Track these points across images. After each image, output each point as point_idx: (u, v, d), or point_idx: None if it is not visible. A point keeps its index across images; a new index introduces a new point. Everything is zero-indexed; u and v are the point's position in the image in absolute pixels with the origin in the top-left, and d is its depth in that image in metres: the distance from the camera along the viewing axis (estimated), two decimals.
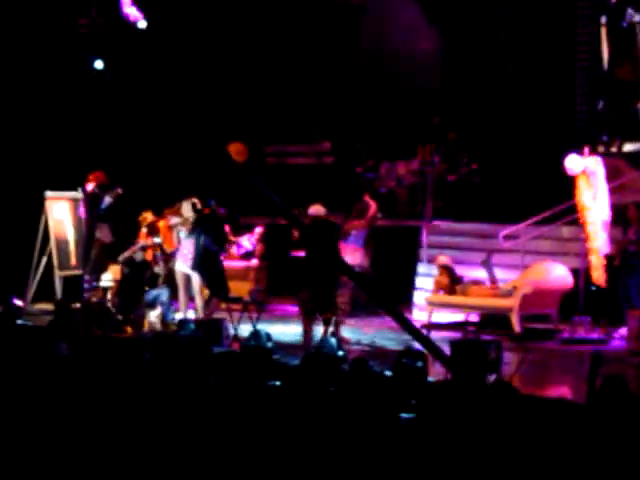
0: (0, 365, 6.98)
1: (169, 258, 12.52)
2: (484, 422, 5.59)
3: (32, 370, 6.65)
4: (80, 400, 6.25)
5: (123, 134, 15.39)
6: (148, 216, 12.83)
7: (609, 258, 11.29)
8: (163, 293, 12.23)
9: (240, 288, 12.37)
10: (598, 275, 11.24)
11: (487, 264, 12.45)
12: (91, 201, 13.21)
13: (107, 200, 13.09)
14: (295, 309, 12.68)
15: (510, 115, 14.55)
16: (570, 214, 11.79)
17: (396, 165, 15.17)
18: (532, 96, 14.33)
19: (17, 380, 6.56)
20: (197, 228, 11.85)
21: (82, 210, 13.53)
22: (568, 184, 11.45)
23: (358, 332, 12.01)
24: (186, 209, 12.05)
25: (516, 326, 11.28)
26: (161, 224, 12.72)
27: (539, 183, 13.17)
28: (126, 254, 12.57)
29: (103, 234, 13.19)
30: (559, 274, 11.67)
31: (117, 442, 5.86)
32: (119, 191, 13.19)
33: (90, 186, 13.15)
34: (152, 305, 12.23)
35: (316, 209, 11.40)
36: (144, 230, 12.69)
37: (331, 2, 15.45)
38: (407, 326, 8.20)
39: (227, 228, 14.00)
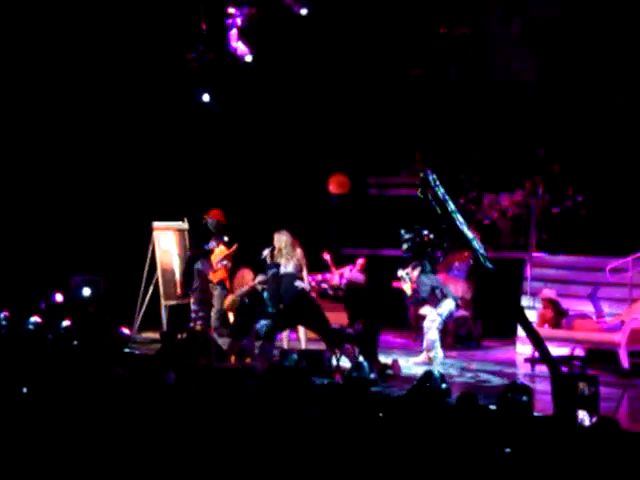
0: (107, 391, 7.12)
1: None
2: (586, 458, 5.49)
3: (140, 397, 6.77)
4: (186, 428, 6.34)
5: (230, 166, 15.63)
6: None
7: None
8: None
9: (337, 318, 12.37)
10: None
11: (593, 297, 12.23)
12: (198, 237, 13.44)
13: (212, 244, 13.32)
14: (397, 340, 12.69)
15: (617, 145, 14.31)
16: None
17: (499, 197, 15.04)
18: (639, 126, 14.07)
19: (125, 407, 6.68)
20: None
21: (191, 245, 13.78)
22: None
23: (462, 365, 11.91)
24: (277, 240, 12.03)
25: (623, 361, 11.03)
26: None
27: None
28: (246, 289, 12.68)
29: (204, 267, 13.39)
30: None
31: (222, 469, 5.92)
32: (226, 239, 13.42)
33: (208, 221, 13.35)
34: (260, 335, 12.32)
35: None
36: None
37: (434, 33, 15.45)
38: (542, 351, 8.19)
39: (328, 259, 14.09)
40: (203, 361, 10.93)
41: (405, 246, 12.58)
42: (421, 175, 9.21)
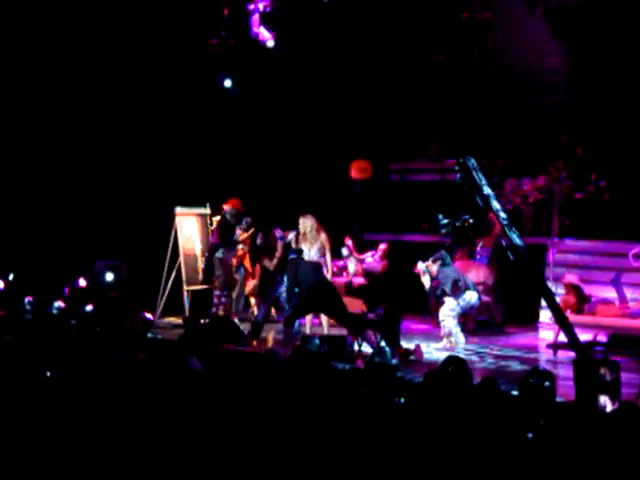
0: (132, 375, 7.16)
1: None
2: (608, 444, 5.48)
3: (163, 383, 6.81)
4: (208, 413, 6.37)
5: (252, 151, 15.65)
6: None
7: None
8: None
9: (354, 304, 12.38)
10: None
11: (616, 283, 12.18)
12: (223, 227, 13.47)
13: (237, 233, 13.39)
14: (418, 326, 12.69)
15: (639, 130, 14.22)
16: None
17: (522, 182, 14.97)
18: None
19: (148, 392, 6.72)
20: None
21: (213, 235, 13.79)
22: None
23: (483, 351, 11.92)
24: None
25: None
26: None
27: None
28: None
29: (226, 255, 13.45)
30: None
31: (243, 453, 5.96)
32: (249, 220, 13.51)
33: (226, 211, 13.43)
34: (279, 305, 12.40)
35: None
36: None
37: (457, 18, 15.37)
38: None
39: (350, 245, 14.10)
40: (226, 346, 10.98)
41: (444, 230, 12.58)
42: (460, 160, 9.23)
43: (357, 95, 15.90)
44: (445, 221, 12.29)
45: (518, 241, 9.54)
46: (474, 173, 9.16)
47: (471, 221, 12.07)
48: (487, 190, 9.18)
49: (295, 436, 5.98)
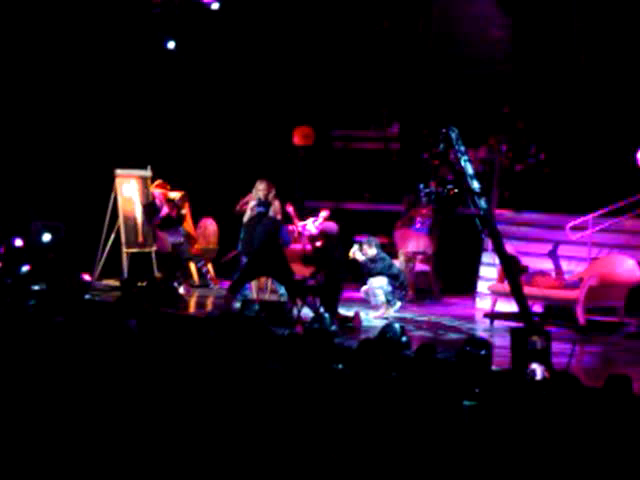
0: (69, 338, 7.10)
1: None
2: (543, 411, 5.57)
3: (102, 344, 6.77)
4: (147, 375, 6.35)
5: (194, 114, 15.51)
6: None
7: None
8: None
9: (300, 270, 12.41)
10: None
11: (553, 255, 12.34)
12: (149, 210, 13.47)
13: (164, 211, 13.35)
14: (358, 294, 12.73)
15: (581, 105, 14.35)
16: (639, 207, 11.62)
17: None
18: (604, 86, 14.11)
19: (86, 353, 6.68)
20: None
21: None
22: (638, 176, 11.28)
23: (421, 318, 12.03)
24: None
25: (580, 318, 11.18)
26: None
27: (609, 174, 12.99)
28: None
29: (161, 244, 13.47)
30: (627, 267, 11.52)
31: (179, 416, 5.95)
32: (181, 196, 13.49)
33: (155, 195, 13.39)
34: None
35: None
36: None
37: None
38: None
39: (292, 211, 14.09)
40: (163, 309, 10.94)
41: (425, 199, 12.61)
42: (443, 130, 9.28)
43: (302, 61, 15.81)
44: (427, 190, 12.30)
45: (488, 211, 9.65)
46: (456, 144, 9.25)
47: (456, 190, 12.09)
48: (465, 160, 9.27)
49: (232, 400, 5.99)
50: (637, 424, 5.45)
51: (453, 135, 9.55)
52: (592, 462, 5.19)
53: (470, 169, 9.61)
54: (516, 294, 9.11)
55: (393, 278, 12.05)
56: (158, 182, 13.72)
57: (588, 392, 5.87)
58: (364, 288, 12.22)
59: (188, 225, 14.24)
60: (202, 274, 14.02)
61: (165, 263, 13.43)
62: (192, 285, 13.73)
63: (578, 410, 5.48)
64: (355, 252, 12.16)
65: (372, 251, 12.12)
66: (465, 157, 9.36)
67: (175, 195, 13.77)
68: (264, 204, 11.83)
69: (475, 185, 9.52)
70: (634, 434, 5.33)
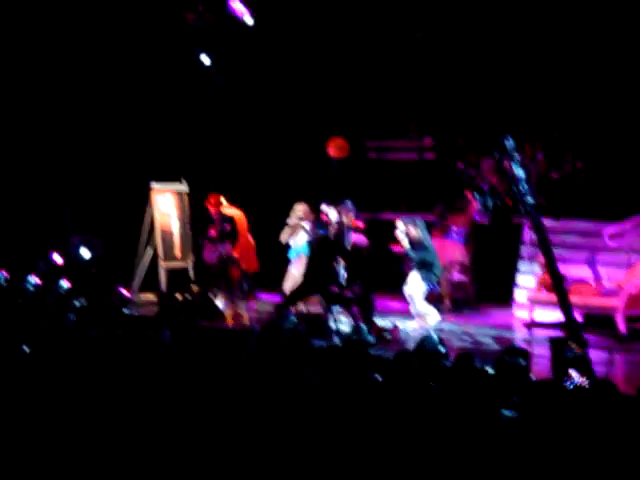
0: (107, 352, 7.16)
1: None
2: (585, 421, 5.53)
3: (136, 356, 6.81)
4: (184, 388, 6.38)
5: (229, 128, 15.59)
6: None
7: None
8: None
9: None
10: None
11: (591, 263, 12.26)
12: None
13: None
14: (395, 303, 12.72)
15: (617, 111, 14.26)
16: None
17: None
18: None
19: (125, 366, 6.72)
20: None
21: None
22: None
23: (459, 328, 11.98)
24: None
25: (620, 326, 11.08)
26: None
27: None
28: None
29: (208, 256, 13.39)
30: None
31: (218, 430, 5.97)
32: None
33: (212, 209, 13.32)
34: None
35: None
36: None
37: None
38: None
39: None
40: (201, 322, 10.99)
41: (483, 209, 12.60)
42: (499, 140, 9.30)
43: (336, 72, 15.84)
44: (486, 201, 12.28)
45: (541, 223, 9.63)
46: (513, 154, 9.25)
47: (511, 203, 12.11)
48: (519, 172, 9.26)
49: (271, 411, 6.00)
50: None
51: (508, 144, 9.53)
52: (630, 471, 5.16)
53: (522, 173, 9.54)
54: (560, 297, 8.99)
55: (429, 279, 11.90)
56: (214, 196, 13.51)
57: (625, 400, 5.82)
58: (406, 288, 12.07)
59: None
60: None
61: (207, 275, 13.33)
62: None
63: (616, 418, 5.44)
64: (399, 231, 12.04)
65: (416, 233, 11.99)
66: (519, 165, 9.32)
67: (232, 212, 13.72)
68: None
69: (529, 200, 9.46)
70: None
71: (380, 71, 15.85)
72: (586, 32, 14.42)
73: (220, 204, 13.31)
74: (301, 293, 11.80)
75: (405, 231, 12.02)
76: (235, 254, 13.20)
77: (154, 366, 6.71)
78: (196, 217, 13.68)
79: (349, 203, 12.25)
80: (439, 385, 6.27)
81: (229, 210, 13.73)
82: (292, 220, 12.33)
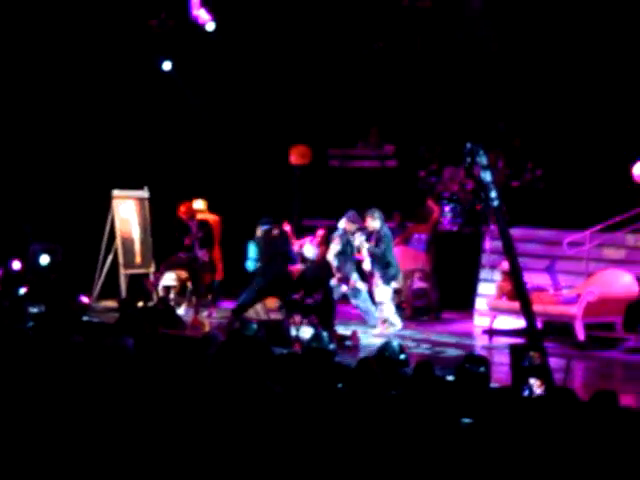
0: (66, 360, 7.09)
1: None
2: (543, 428, 5.57)
3: (98, 365, 6.75)
4: (145, 396, 6.34)
5: (190, 135, 15.55)
6: None
7: None
8: None
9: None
10: None
11: (551, 271, 12.35)
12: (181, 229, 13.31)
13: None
14: (355, 310, 12.74)
15: (577, 120, 14.40)
16: (636, 222, 11.65)
17: (460, 169, 15.09)
18: (601, 101, 14.17)
19: (82, 373, 6.66)
20: None
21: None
22: (635, 191, 11.31)
23: (420, 336, 12.02)
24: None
25: (579, 334, 11.18)
26: None
27: (605, 190, 13.03)
28: None
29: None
30: (624, 282, 11.54)
31: (175, 435, 5.94)
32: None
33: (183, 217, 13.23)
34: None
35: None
36: None
37: (398, 6, 15.42)
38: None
39: (289, 230, 14.11)
40: (162, 329, 10.93)
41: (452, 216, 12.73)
42: (468, 145, 9.33)
43: (298, 80, 15.87)
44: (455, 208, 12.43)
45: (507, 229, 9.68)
46: (479, 158, 9.29)
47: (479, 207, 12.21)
48: (487, 177, 9.33)
49: (232, 418, 5.98)
50: (623, 437, 5.47)
51: (476, 150, 9.59)
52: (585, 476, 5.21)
53: (490, 178, 9.61)
54: (523, 304, 9.01)
55: (389, 278, 11.98)
56: (184, 205, 13.42)
57: (582, 407, 5.88)
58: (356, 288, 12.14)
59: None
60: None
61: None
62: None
63: (573, 425, 5.49)
64: (362, 242, 12.10)
65: (376, 223, 12.06)
66: (487, 170, 9.38)
67: (209, 217, 13.66)
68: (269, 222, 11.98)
69: (495, 203, 9.52)
70: (620, 447, 5.35)
71: (342, 79, 15.90)
72: (548, 43, 14.57)
73: (192, 211, 13.28)
74: (254, 299, 11.84)
75: (363, 239, 12.07)
76: (208, 260, 13.24)
77: (115, 373, 6.67)
78: (170, 226, 13.57)
79: (352, 213, 12.29)
80: (399, 393, 6.29)
81: (206, 216, 13.71)
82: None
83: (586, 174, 13.85)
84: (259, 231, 12.17)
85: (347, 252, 12.13)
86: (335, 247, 12.11)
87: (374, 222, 12.07)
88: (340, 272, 12.03)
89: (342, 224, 12.26)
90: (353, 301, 12.37)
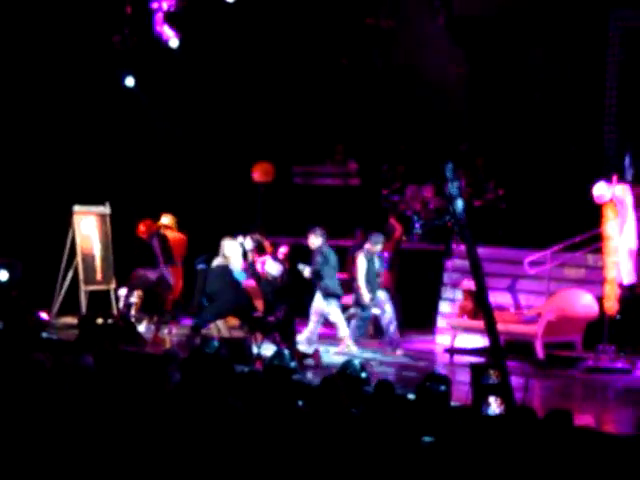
0: (24, 377, 7.02)
1: None
2: (504, 446, 5.60)
3: (58, 382, 6.70)
4: (106, 414, 6.29)
5: (152, 151, 15.49)
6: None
7: (631, 287, 11.24)
8: None
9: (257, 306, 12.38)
10: (610, 305, 11.14)
11: (512, 290, 12.43)
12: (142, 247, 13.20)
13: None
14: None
15: (538, 141, 14.55)
16: (597, 242, 11.75)
17: (422, 188, 15.18)
18: (560, 123, 14.33)
19: (45, 392, 6.60)
20: None
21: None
22: (595, 212, 11.42)
23: (381, 354, 12.02)
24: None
25: (539, 353, 11.25)
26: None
27: (566, 210, 13.16)
28: None
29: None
30: (584, 302, 11.62)
31: (134, 454, 5.90)
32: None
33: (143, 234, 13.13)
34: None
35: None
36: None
37: (362, 25, 15.52)
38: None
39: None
40: (123, 347, 10.86)
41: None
42: (442, 168, 9.39)
43: (261, 97, 15.88)
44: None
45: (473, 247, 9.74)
46: (454, 181, 9.37)
47: (450, 224, 12.26)
48: (456, 194, 9.41)
49: (194, 435, 5.95)
50: (577, 456, 5.51)
51: (449, 168, 9.67)
52: None
53: (458, 195, 9.67)
54: (487, 322, 9.04)
55: (328, 294, 12.00)
56: (143, 223, 13.30)
57: (540, 425, 5.91)
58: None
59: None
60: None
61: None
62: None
63: (531, 443, 5.52)
64: (303, 269, 12.14)
65: (318, 241, 12.09)
66: (456, 188, 9.46)
67: (174, 235, 13.60)
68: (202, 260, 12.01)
69: (462, 219, 9.58)
70: (573, 466, 5.39)
71: (306, 97, 15.95)
72: (507, 64, 14.73)
73: (151, 230, 13.15)
74: (214, 316, 11.82)
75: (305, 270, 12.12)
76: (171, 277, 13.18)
77: (75, 391, 6.61)
78: (131, 244, 13.49)
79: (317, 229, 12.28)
80: (360, 411, 6.28)
81: (173, 234, 13.61)
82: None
83: (547, 194, 13.98)
84: (200, 271, 12.06)
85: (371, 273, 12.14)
86: (362, 269, 12.11)
87: (316, 240, 12.11)
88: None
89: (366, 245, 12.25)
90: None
